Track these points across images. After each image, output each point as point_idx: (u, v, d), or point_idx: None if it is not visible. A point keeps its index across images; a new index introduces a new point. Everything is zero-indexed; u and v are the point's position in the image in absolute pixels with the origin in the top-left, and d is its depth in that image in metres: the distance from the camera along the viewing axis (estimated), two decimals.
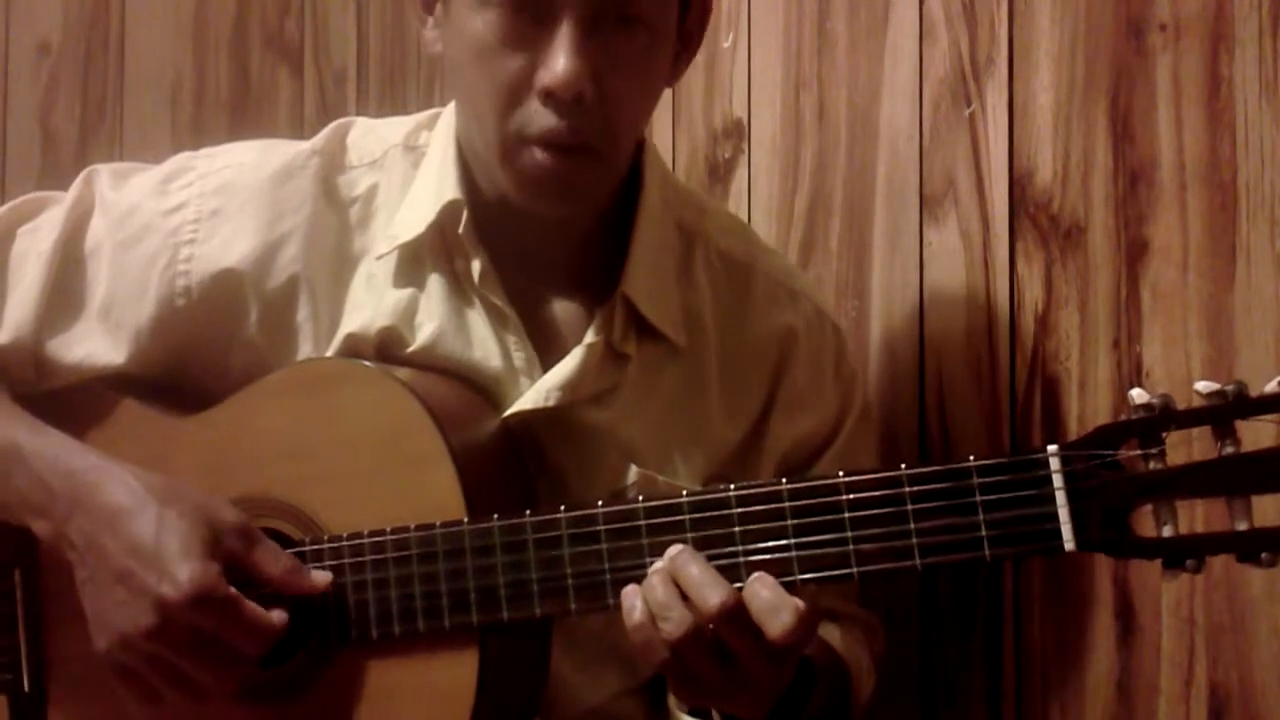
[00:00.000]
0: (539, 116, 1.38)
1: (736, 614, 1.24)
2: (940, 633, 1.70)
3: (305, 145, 1.53)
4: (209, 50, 2.39)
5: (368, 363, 1.45)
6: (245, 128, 2.30)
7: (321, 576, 1.39)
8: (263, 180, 1.50)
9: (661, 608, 1.26)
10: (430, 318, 1.47)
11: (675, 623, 1.25)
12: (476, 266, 1.46)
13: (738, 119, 1.89)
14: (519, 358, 1.47)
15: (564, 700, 1.48)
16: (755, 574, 1.26)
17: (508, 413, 1.44)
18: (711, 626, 1.25)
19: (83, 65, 2.47)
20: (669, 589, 1.26)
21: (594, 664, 1.50)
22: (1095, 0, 1.61)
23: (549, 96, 1.36)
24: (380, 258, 1.48)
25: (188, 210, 1.51)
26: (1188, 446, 1.18)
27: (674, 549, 1.28)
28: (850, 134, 1.80)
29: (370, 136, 1.54)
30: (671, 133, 1.94)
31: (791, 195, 1.84)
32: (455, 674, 1.35)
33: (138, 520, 1.38)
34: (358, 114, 1.86)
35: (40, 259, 1.53)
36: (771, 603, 1.24)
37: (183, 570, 1.35)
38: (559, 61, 1.35)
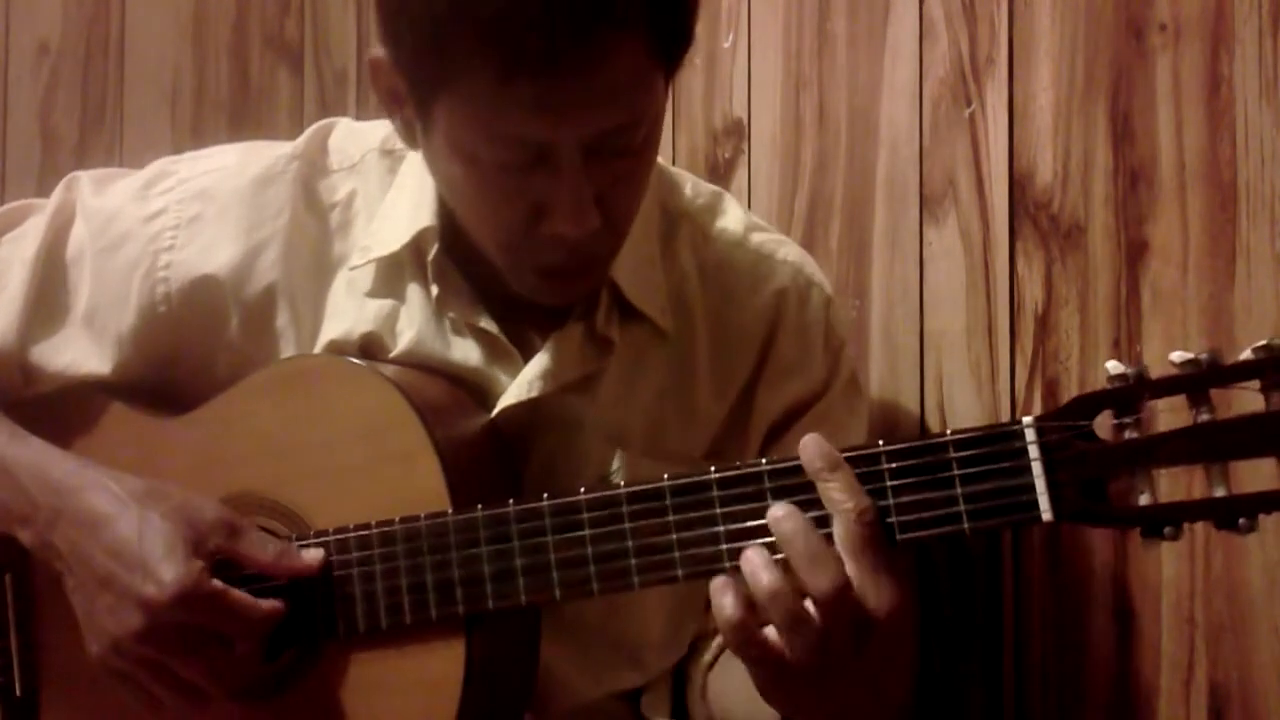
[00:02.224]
0: (547, 253, 1.35)
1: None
2: (940, 633, 1.70)
3: (286, 149, 1.52)
4: (209, 50, 2.38)
5: (352, 359, 1.45)
6: (245, 128, 2.30)
7: (314, 553, 1.38)
8: (242, 186, 1.50)
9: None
10: (410, 324, 1.46)
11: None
12: (434, 291, 1.45)
13: (738, 119, 1.89)
14: (499, 355, 1.46)
15: (560, 696, 1.48)
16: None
17: (495, 411, 1.44)
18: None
19: (83, 65, 2.47)
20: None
21: (596, 660, 1.49)
22: (1095, 0, 1.61)
23: (559, 238, 1.33)
24: (355, 269, 1.48)
25: (167, 216, 1.50)
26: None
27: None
28: (850, 134, 1.80)
29: (350, 139, 1.53)
30: (671, 133, 1.93)
31: (791, 195, 1.84)
32: (442, 665, 1.35)
33: (119, 524, 1.38)
34: (357, 114, 1.86)
35: (24, 266, 1.53)
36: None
37: (166, 570, 1.35)
38: (568, 210, 1.31)
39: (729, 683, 1.51)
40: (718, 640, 1.54)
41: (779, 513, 1.22)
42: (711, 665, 1.55)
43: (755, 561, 1.21)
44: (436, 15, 1.25)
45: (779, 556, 1.22)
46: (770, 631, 1.21)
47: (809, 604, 1.20)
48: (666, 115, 1.98)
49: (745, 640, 1.21)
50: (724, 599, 1.21)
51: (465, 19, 1.24)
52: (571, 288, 1.41)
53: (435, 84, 1.30)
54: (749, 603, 1.21)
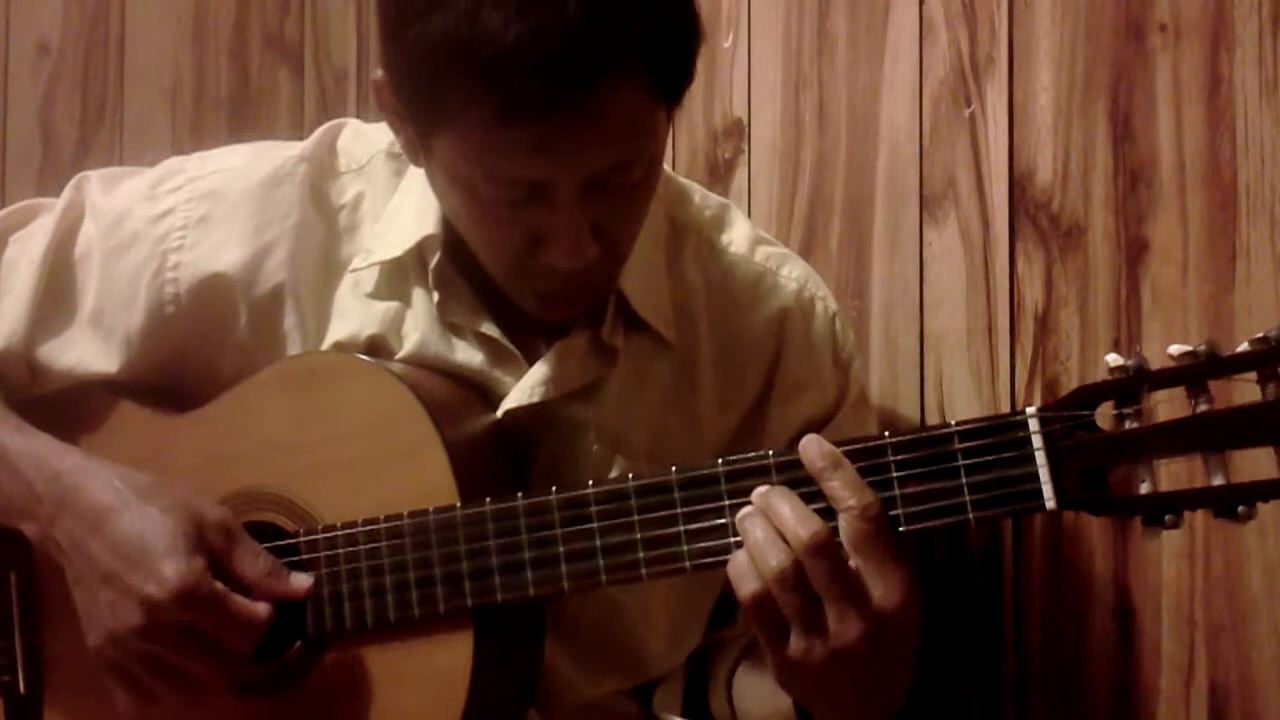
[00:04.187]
0: (545, 280, 1.36)
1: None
2: (940, 633, 1.70)
3: (295, 150, 1.52)
4: (209, 50, 2.38)
5: (360, 356, 1.45)
6: (245, 128, 2.30)
7: (301, 580, 1.39)
8: (251, 187, 1.50)
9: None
10: (415, 327, 1.47)
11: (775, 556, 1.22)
12: (436, 297, 1.45)
13: (738, 119, 1.89)
14: (502, 359, 1.46)
15: (561, 693, 1.48)
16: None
17: (499, 413, 1.44)
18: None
19: (83, 65, 2.47)
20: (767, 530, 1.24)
21: (593, 660, 1.50)
22: (1095, 0, 1.61)
23: (555, 268, 1.34)
24: (358, 271, 1.48)
25: (175, 216, 1.51)
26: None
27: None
28: (850, 134, 1.80)
29: (358, 141, 1.53)
30: (671, 133, 1.93)
31: (791, 195, 1.84)
32: (451, 657, 1.36)
33: (122, 519, 1.38)
34: (357, 114, 1.86)
35: (32, 266, 1.53)
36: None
37: (168, 568, 1.35)
38: (565, 244, 1.31)
39: (751, 684, 1.52)
40: (744, 641, 1.55)
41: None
42: (737, 664, 1.55)
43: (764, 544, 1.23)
44: (436, 57, 1.25)
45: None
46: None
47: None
48: None
49: (766, 619, 1.23)
50: (743, 573, 1.23)
51: (464, 62, 1.24)
52: (570, 310, 1.42)
53: (434, 120, 1.30)
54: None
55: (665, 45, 1.29)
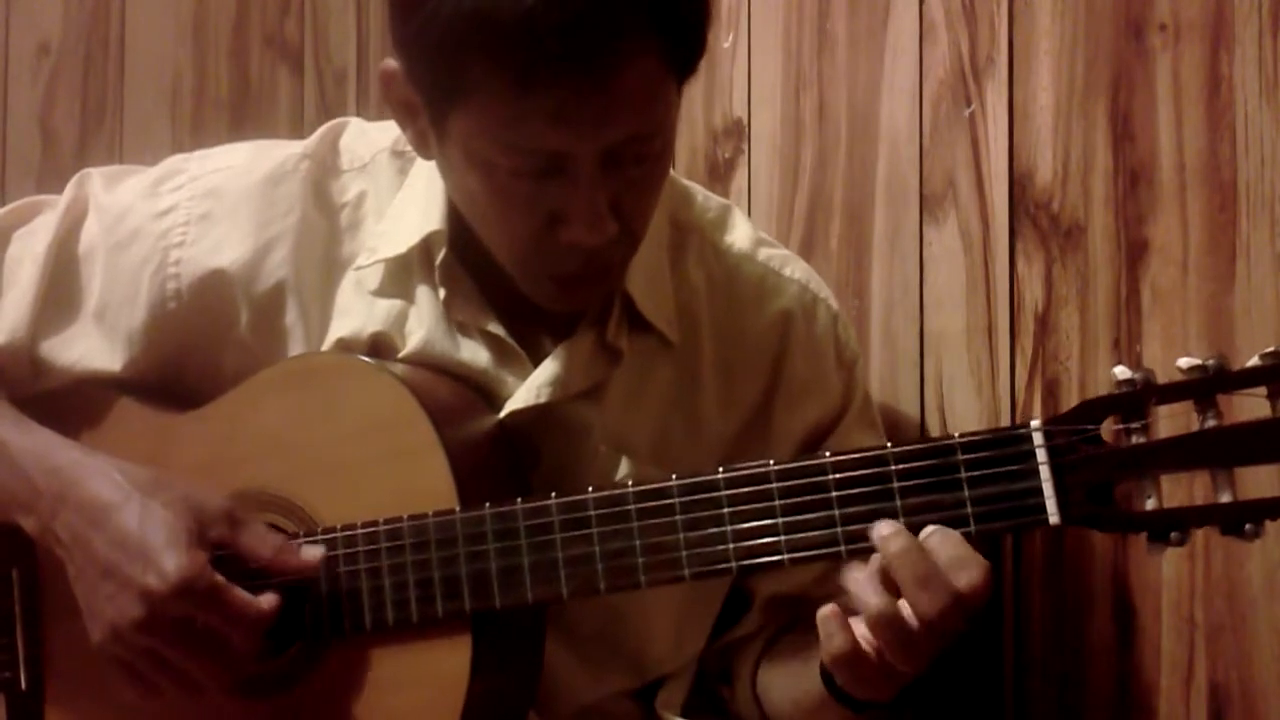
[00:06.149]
0: (563, 260, 1.36)
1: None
2: None
3: (297, 148, 1.52)
4: (209, 50, 2.39)
5: (361, 356, 1.45)
6: (245, 128, 2.30)
7: (312, 551, 1.39)
8: (253, 184, 1.50)
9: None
10: (420, 325, 1.47)
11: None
12: (442, 294, 1.45)
13: (738, 119, 1.89)
14: (508, 359, 1.46)
15: (561, 696, 1.48)
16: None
17: (502, 414, 1.44)
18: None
19: (83, 65, 2.47)
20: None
21: (594, 662, 1.50)
22: (1095, 0, 1.61)
23: (575, 245, 1.34)
24: (362, 268, 1.48)
25: (178, 213, 1.51)
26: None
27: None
28: (850, 134, 1.80)
29: (361, 140, 1.53)
30: None
31: (791, 195, 1.84)
32: (449, 661, 1.36)
33: (122, 513, 1.39)
34: (358, 114, 1.86)
35: (35, 262, 1.53)
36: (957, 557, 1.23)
37: (168, 561, 1.35)
38: (585, 219, 1.32)
39: (776, 677, 1.53)
40: (762, 640, 1.56)
41: (885, 531, 1.24)
42: (759, 663, 1.55)
43: (864, 584, 1.23)
44: (453, 29, 1.26)
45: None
46: (868, 645, 1.24)
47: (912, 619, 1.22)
48: None
49: (852, 662, 1.25)
50: (831, 629, 1.25)
51: (482, 33, 1.25)
52: (587, 293, 1.42)
53: (451, 96, 1.30)
54: (854, 634, 1.24)
55: (677, 14, 1.30)
